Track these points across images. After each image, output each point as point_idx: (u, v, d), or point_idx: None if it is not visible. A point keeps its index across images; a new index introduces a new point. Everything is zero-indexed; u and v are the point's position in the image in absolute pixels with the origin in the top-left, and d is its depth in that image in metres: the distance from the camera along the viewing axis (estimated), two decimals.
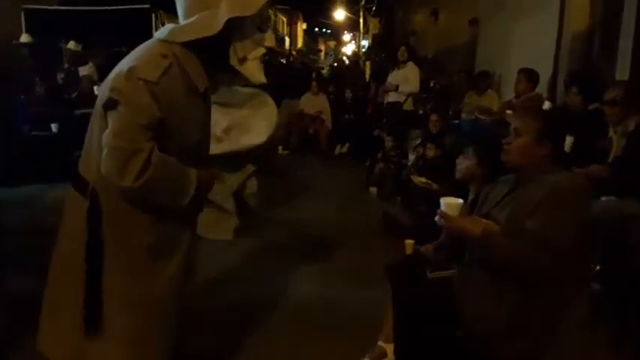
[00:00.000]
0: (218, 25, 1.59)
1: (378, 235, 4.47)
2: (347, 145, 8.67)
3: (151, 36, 1.77)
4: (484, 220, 1.90)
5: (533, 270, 1.74)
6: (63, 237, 1.83)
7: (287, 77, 8.93)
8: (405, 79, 7.21)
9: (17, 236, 4.14)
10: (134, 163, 1.56)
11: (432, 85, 8.89)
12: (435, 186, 4.12)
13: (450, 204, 1.84)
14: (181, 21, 1.68)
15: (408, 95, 7.30)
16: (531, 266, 1.73)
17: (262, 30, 1.76)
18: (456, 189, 3.25)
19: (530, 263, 1.73)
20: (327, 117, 8.80)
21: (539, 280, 1.76)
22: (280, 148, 8.66)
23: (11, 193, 5.44)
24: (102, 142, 1.58)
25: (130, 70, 1.56)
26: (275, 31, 30.55)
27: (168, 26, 1.67)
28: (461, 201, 1.88)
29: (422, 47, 10.71)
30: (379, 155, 6.53)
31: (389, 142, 6.52)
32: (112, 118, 1.58)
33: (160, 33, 1.68)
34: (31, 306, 1.93)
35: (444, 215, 1.84)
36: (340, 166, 7.63)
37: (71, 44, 7.00)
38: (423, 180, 4.29)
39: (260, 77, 1.80)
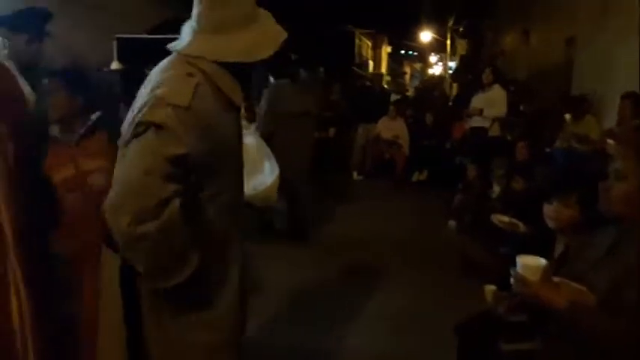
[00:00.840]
0: (256, 55, 1.47)
1: (455, 277, 4.04)
2: (425, 172, 8.24)
3: None
4: (574, 286, 1.52)
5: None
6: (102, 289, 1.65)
7: (364, 101, 8.70)
8: (491, 103, 6.73)
9: None
10: (141, 203, 1.31)
11: (521, 109, 8.29)
12: (521, 227, 3.65)
13: (528, 266, 1.50)
14: (202, 27, 1.46)
15: (494, 120, 6.79)
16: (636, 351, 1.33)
17: None
18: (547, 233, 2.80)
19: (635, 348, 1.33)
20: (404, 142, 8.45)
21: None
22: (355, 173, 8.43)
23: None
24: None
25: (157, 97, 1.36)
26: (359, 56, 30.72)
27: (191, 39, 1.47)
28: (543, 262, 1.52)
29: (511, 69, 10.11)
30: (460, 185, 6.07)
31: (472, 170, 6.04)
32: (132, 150, 1.36)
33: (184, 46, 1.47)
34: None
35: (520, 279, 1.49)
36: (416, 195, 7.22)
37: None
38: (507, 220, 3.82)
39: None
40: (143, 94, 1.46)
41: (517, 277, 1.50)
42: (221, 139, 1.43)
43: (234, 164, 1.53)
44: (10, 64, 2.08)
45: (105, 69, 7.17)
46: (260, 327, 3.14)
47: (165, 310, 1.51)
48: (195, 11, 1.48)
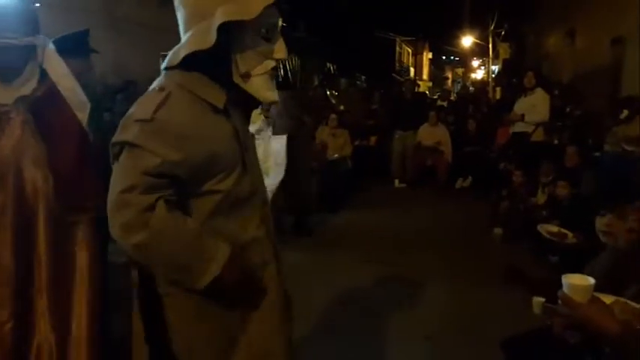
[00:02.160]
0: (211, 35, 1.33)
1: (501, 287, 3.94)
2: (469, 178, 8.10)
3: None
4: (631, 305, 1.44)
5: None
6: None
7: (400, 108, 8.63)
8: (533, 107, 6.54)
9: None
10: (124, 217, 1.30)
11: (567, 110, 8.04)
12: (570, 237, 3.53)
13: (575, 286, 1.37)
14: (182, 39, 1.45)
15: (537, 125, 6.60)
16: None
17: (269, 40, 1.43)
18: (597, 243, 2.71)
19: None
20: (446, 149, 8.32)
21: None
22: (397, 181, 8.38)
23: None
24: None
25: (127, 117, 1.37)
26: (400, 62, 30.55)
27: (170, 51, 1.44)
28: (592, 281, 1.39)
29: (556, 71, 9.83)
30: (505, 192, 5.94)
31: (517, 177, 5.91)
32: (114, 172, 1.38)
33: (163, 63, 1.46)
34: None
35: (567, 301, 1.38)
36: (460, 202, 7.09)
37: None
38: (555, 229, 3.71)
39: (268, 95, 1.47)
40: None
41: (564, 298, 1.39)
42: (202, 143, 1.37)
43: (227, 164, 1.43)
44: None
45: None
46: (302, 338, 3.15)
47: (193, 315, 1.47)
48: None
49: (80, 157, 2.07)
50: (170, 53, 1.42)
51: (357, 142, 8.56)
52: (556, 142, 7.08)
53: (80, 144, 2.08)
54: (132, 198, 1.30)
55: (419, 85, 17.59)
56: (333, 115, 8.08)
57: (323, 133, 7.81)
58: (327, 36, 15.52)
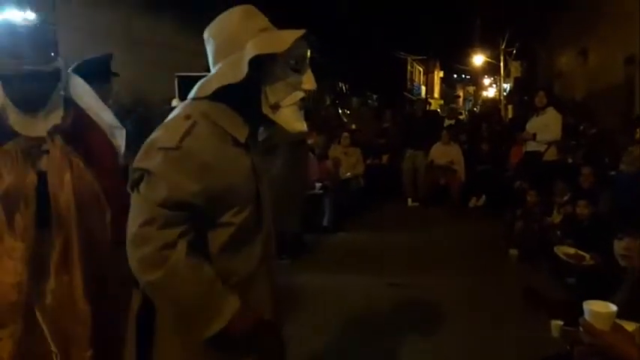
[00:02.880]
0: (243, 68, 1.34)
1: (518, 310, 3.88)
2: (483, 197, 8.05)
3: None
4: None
5: None
6: None
7: (411, 127, 8.62)
8: (545, 127, 6.52)
9: None
10: (142, 252, 1.29)
11: (581, 129, 7.99)
12: (587, 259, 3.47)
13: (597, 313, 1.34)
14: (212, 70, 1.46)
15: (550, 144, 6.57)
16: None
17: (298, 71, 1.44)
18: (615, 265, 2.68)
19: None
20: (459, 167, 8.29)
21: None
22: (410, 199, 8.35)
23: None
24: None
25: (150, 142, 1.36)
26: (411, 81, 30.65)
27: (198, 82, 1.46)
28: (614, 308, 1.36)
29: (568, 90, 9.81)
30: (519, 211, 5.89)
31: (532, 196, 5.86)
32: (133, 200, 1.36)
33: (192, 91, 1.47)
34: None
35: (589, 329, 1.35)
36: (474, 222, 7.04)
37: None
38: (572, 251, 3.66)
39: (297, 125, 1.45)
40: None
41: (585, 326, 1.37)
42: (222, 175, 1.37)
43: (243, 197, 1.42)
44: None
45: (166, 106, 7.50)
46: None
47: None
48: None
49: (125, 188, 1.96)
50: (199, 84, 1.43)
51: (369, 161, 8.57)
52: (570, 160, 7.03)
53: (122, 173, 1.91)
54: (152, 233, 1.29)
55: (430, 104, 17.62)
56: (346, 134, 8.12)
57: (335, 152, 7.83)
58: (339, 55, 15.65)
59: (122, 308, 1.93)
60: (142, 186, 1.33)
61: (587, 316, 1.35)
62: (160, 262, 1.29)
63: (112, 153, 1.98)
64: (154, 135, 1.38)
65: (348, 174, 7.60)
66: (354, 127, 10.43)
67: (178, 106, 1.48)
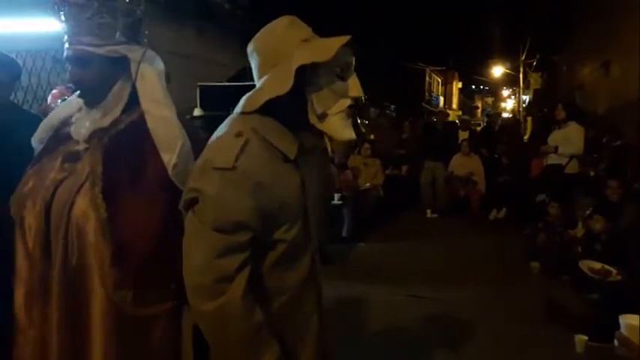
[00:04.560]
0: (289, 79, 1.32)
1: (540, 324, 3.83)
2: (503, 210, 7.97)
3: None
4: None
5: None
6: None
7: (430, 138, 8.60)
8: (566, 140, 6.47)
9: None
10: (199, 280, 1.27)
11: (604, 142, 7.89)
12: (614, 274, 3.41)
13: (633, 327, 1.37)
14: (257, 84, 1.43)
15: (571, 157, 6.51)
16: None
17: (344, 78, 1.41)
18: None
19: None
20: (479, 179, 8.24)
21: None
22: (429, 211, 8.31)
23: None
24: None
25: (204, 163, 1.32)
26: (429, 92, 30.59)
27: (245, 96, 1.42)
28: None
29: (590, 102, 9.69)
30: (541, 224, 5.82)
31: (554, 209, 5.79)
32: (188, 222, 1.33)
33: (238, 105, 1.45)
34: None
35: (625, 342, 1.36)
36: (495, 234, 6.96)
37: None
38: (598, 266, 3.60)
39: (346, 133, 1.41)
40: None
41: (621, 339, 1.37)
42: (276, 194, 1.34)
43: (294, 214, 1.41)
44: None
45: (187, 116, 7.59)
46: None
47: None
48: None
49: (159, 223, 1.48)
50: (246, 98, 1.42)
51: (388, 172, 8.56)
52: (592, 173, 6.94)
53: (159, 202, 1.49)
54: (209, 262, 1.27)
55: (448, 115, 17.55)
56: (367, 145, 8.12)
57: (355, 162, 7.84)
58: (357, 66, 15.72)
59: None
60: (198, 208, 1.30)
61: (623, 329, 1.36)
62: (216, 295, 1.26)
63: (156, 177, 1.51)
64: (207, 154, 1.35)
65: (368, 184, 7.60)
66: (372, 136, 10.42)
67: (226, 122, 1.45)
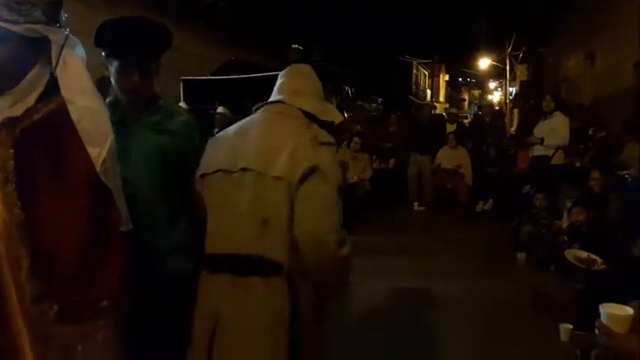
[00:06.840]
0: (334, 116, 1.82)
1: (526, 314, 3.86)
2: (490, 201, 8.02)
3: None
4: None
5: None
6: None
7: (417, 131, 8.61)
8: (552, 131, 6.51)
9: None
10: (337, 235, 1.63)
11: (590, 133, 7.96)
12: (599, 263, 3.44)
13: (614, 316, 1.36)
14: (299, 90, 1.78)
15: (557, 148, 6.55)
16: None
17: None
18: (626, 268, 2.67)
19: None
20: (466, 171, 8.28)
21: None
22: (416, 204, 8.33)
23: None
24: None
25: (308, 140, 1.62)
26: (416, 85, 30.65)
27: (303, 100, 1.76)
28: (630, 311, 1.38)
29: (575, 93, 9.78)
30: (526, 215, 5.86)
31: (539, 200, 5.84)
32: (309, 190, 1.60)
33: (301, 103, 1.76)
34: None
35: (606, 331, 1.36)
36: (482, 226, 7.01)
37: (220, 109, 7.53)
38: (584, 255, 3.62)
39: (339, 115, 1.87)
40: (252, 144, 1.69)
41: (602, 328, 1.37)
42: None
43: None
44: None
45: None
46: None
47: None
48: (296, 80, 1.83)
49: (86, 224, 1.25)
50: (312, 104, 1.78)
51: (375, 165, 8.56)
52: (578, 165, 7.00)
53: (84, 200, 1.25)
54: (336, 220, 1.63)
55: (435, 107, 17.58)
56: (356, 139, 8.09)
57: (344, 156, 7.83)
58: (344, 60, 15.70)
59: None
60: (317, 179, 1.60)
61: (604, 319, 1.36)
62: (345, 240, 1.67)
63: (82, 173, 1.28)
64: (307, 134, 1.64)
65: (355, 178, 7.60)
66: (358, 128, 10.41)
67: (262, 117, 1.77)
